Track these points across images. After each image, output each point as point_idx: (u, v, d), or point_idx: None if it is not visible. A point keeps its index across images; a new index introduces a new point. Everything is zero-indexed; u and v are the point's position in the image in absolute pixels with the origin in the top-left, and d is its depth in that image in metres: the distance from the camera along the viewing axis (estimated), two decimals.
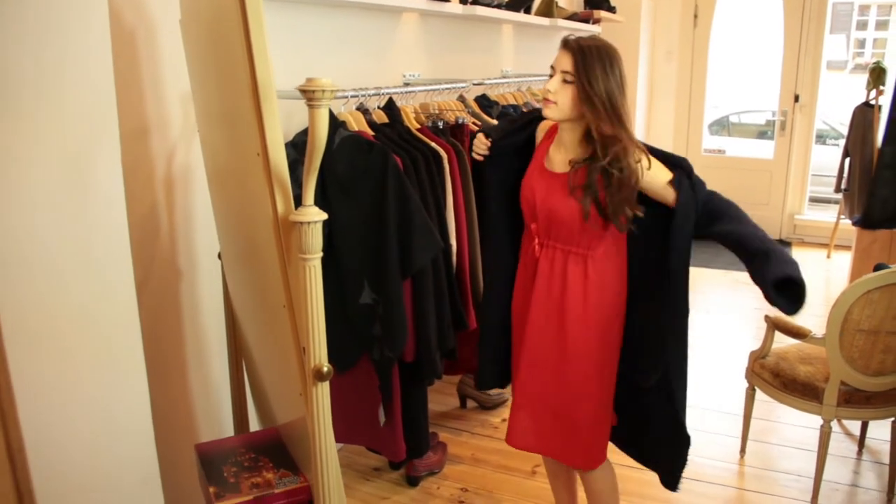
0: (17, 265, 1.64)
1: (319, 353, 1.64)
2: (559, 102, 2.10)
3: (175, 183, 2.60)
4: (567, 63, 2.08)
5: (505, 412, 3.83)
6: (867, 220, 2.94)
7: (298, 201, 1.65)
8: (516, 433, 2.38)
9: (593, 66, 2.05)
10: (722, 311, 5.45)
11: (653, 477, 3.22)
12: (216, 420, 2.86)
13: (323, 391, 1.67)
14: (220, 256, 2.61)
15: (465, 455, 3.48)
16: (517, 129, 2.42)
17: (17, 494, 0.86)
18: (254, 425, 2.77)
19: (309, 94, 1.47)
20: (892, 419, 3.04)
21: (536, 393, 2.32)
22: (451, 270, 3.04)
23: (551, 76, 2.13)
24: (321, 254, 1.62)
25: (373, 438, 3.06)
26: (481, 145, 2.39)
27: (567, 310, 2.24)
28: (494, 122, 3.65)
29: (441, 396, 4.03)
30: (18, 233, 1.65)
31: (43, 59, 1.65)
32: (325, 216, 1.60)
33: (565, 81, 2.09)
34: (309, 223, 1.57)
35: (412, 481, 3.25)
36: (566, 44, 2.11)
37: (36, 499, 0.90)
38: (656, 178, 2.12)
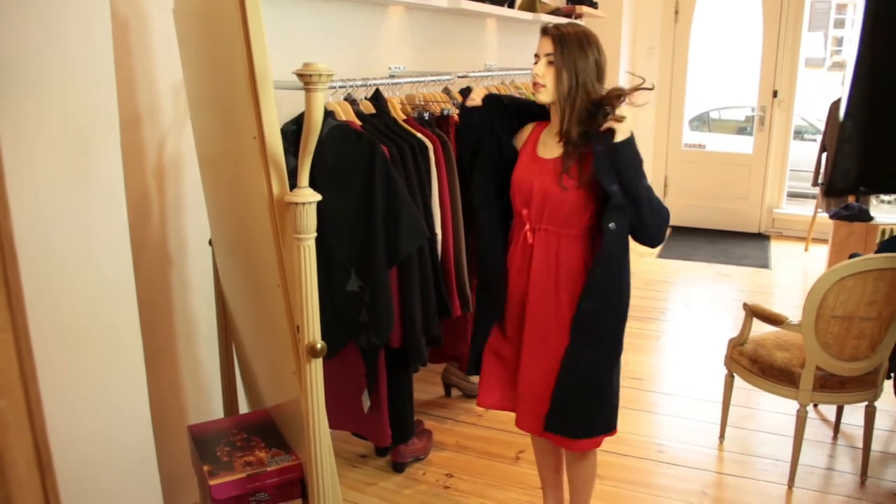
0: (20, 251, 1.67)
1: (313, 330, 1.69)
2: (547, 85, 2.23)
3: (166, 171, 2.64)
4: (548, 46, 2.22)
5: None
6: (831, 189, 3.13)
7: None
8: (527, 419, 2.42)
9: (571, 47, 2.20)
10: (702, 301, 5.54)
11: (634, 462, 3.31)
12: (206, 403, 2.90)
13: (316, 368, 1.72)
14: (210, 243, 2.64)
15: (450, 442, 3.53)
16: (514, 106, 2.50)
17: (36, 450, 0.90)
18: (242, 408, 2.81)
19: (306, 79, 1.52)
20: (865, 403, 3.12)
21: (540, 376, 2.37)
22: (436, 259, 3.09)
23: (536, 63, 2.26)
24: (315, 234, 1.67)
25: (359, 424, 3.11)
26: (478, 94, 2.47)
27: (565, 291, 2.30)
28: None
29: (426, 385, 4.08)
30: (22, 219, 1.68)
31: (45, 48, 1.69)
32: (319, 197, 1.65)
33: (549, 63, 2.22)
34: (304, 204, 1.62)
35: (398, 467, 3.29)
36: (546, 30, 2.25)
37: (52, 454, 0.94)
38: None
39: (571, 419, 2.34)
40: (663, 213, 2.25)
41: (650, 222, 2.23)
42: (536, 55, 2.26)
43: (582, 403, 2.33)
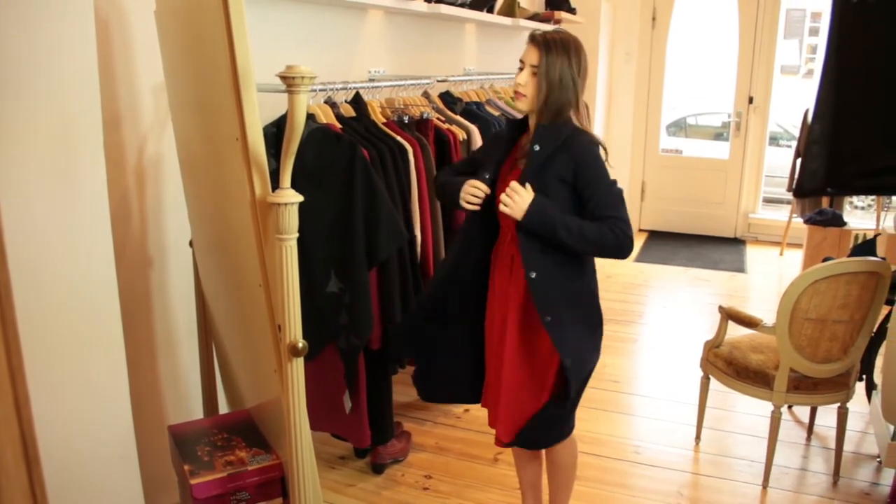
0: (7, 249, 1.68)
1: (294, 329, 1.71)
2: (528, 94, 2.23)
3: (146, 172, 2.64)
4: (534, 56, 2.21)
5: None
6: (799, 190, 3.19)
7: None
8: (507, 429, 2.40)
9: (555, 57, 2.19)
10: (678, 305, 5.59)
11: (611, 464, 3.34)
12: (185, 404, 2.90)
13: (297, 367, 1.74)
14: (191, 244, 2.65)
15: (429, 444, 3.55)
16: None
17: (23, 444, 0.91)
18: (222, 409, 2.81)
19: (289, 81, 1.54)
20: (838, 405, 3.17)
21: (522, 388, 2.36)
22: (415, 260, 3.11)
23: (521, 69, 2.25)
24: (297, 234, 1.68)
25: (339, 425, 3.12)
26: (479, 193, 2.34)
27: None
28: (461, 120, 3.73)
29: (405, 388, 4.07)
30: (8, 219, 1.69)
31: (30, 49, 1.69)
32: (301, 198, 1.67)
33: (533, 74, 2.22)
34: (286, 204, 1.64)
35: (377, 469, 3.30)
36: (533, 38, 2.24)
37: (39, 446, 0.95)
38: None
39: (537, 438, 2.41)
40: (602, 245, 2.20)
41: (591, 252, 2.27)
42: (521, 61, 2.25)
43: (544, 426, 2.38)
